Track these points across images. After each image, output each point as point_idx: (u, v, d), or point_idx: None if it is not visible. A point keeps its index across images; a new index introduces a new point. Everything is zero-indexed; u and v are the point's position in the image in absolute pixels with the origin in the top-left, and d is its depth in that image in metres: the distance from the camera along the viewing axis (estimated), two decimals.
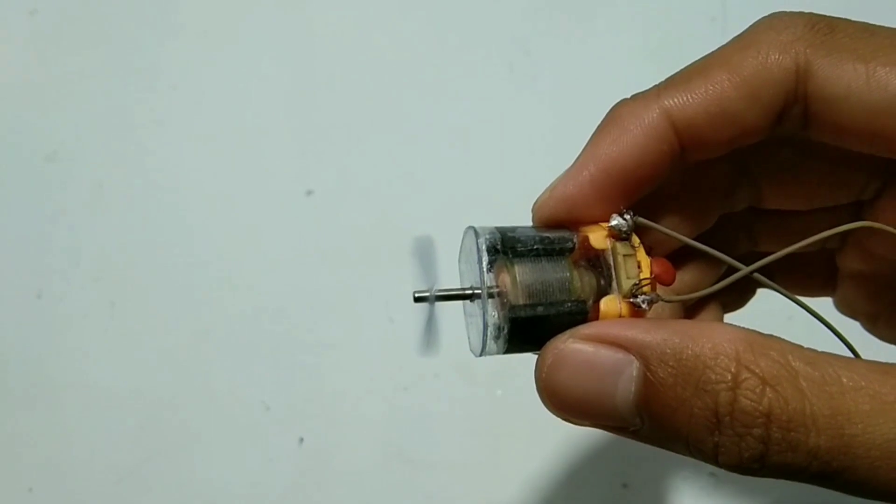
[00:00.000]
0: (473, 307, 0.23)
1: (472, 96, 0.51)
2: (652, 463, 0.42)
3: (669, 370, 0.19)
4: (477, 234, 0.23)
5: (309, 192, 0.49)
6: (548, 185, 0.24)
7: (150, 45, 0.53)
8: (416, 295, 0.23)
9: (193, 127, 0.51)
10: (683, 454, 0.20)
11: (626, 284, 0.23)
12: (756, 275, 0.23)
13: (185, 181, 0.50)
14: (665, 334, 0.20)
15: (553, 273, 0.23)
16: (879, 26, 0.22)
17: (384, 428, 0.44)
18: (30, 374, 0.46)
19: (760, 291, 0.31)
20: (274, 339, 0.46)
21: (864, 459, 0.18)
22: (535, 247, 0.23)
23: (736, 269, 0.23)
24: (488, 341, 0.22)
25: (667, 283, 0.24)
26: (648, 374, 0.19)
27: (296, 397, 0.45)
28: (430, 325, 0.23)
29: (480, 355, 0.23)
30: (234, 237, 0.48)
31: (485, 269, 0.22)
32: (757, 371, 0.18)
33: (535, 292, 0.22)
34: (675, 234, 0.24)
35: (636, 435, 0.21)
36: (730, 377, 0.18)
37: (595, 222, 0.24)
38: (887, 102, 0.21)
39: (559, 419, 0.22)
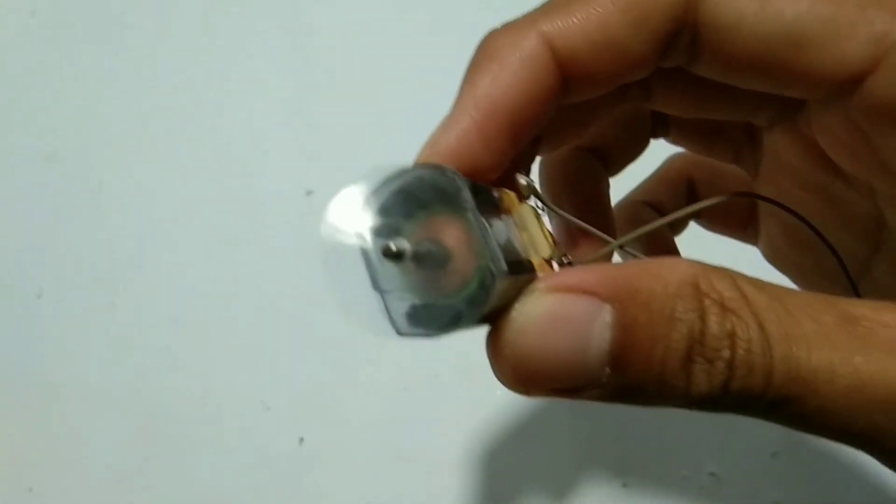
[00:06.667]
0: (392, 273, 0.18)
1: None
2: (652, 463, 0.42)
3: (643, 308, 0.17)
4: (452, 177, 0.17)
5: (309, 192, 0.49)
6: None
7: (150, 45, 0.53)
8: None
9: (194, 127, 0.51)
10: (643, 401, 0.18)
11: (548, 248, 0.20)
12: (625, 248, 0.22)
13: (186, 181, 0.50)
14: (629, 273, 0.18)
15: (506, 231, 0.19)
16: None
17: (384, 428, 0.44)
18: (30, 374, 0.46)
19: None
20: (274, 339, 0.46)
21: (811, 384, 0.17)
22: (483, 196, 0.18)
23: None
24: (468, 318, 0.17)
25: None
26: (623, 316, 0.17)
27: (296, 397, 0.45)
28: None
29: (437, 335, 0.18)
30: (234, 237, 0.48)
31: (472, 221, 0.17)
32: (715, 297, 0.18)
33: (506, 253, 0.17)
34: (562, 212, 0.22)
35: (593, 394, 0.18)
36: (696, 305, 0.18)
37: (486, 181, 0.20)
38: (784, 31, 0.20)
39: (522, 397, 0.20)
